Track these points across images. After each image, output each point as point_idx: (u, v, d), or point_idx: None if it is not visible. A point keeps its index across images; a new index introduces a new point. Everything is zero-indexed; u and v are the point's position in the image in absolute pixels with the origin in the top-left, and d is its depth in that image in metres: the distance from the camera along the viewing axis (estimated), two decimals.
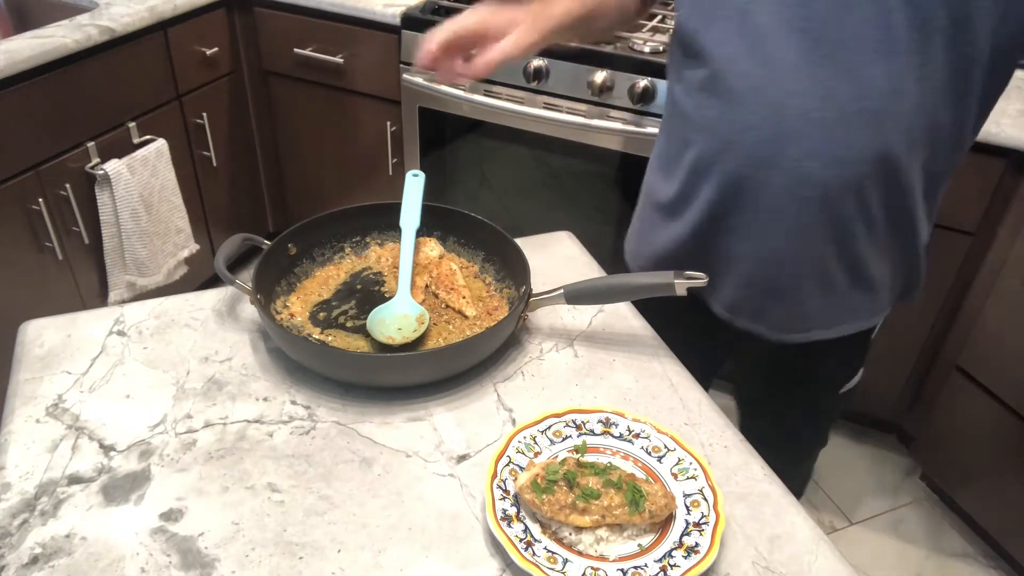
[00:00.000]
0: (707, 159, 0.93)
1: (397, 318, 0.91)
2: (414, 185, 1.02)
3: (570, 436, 0.77)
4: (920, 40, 0.80)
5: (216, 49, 2.12)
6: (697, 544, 0.67)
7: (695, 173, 0.96)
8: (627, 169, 1.86)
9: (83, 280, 1.95)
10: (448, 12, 1.87)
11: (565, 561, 0.65)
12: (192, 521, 0.69)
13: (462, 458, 0.77)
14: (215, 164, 2.24)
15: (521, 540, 0.66)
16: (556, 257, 1.09)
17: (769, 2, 0.84)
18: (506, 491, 0.70)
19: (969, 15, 0.78)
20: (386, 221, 1.05)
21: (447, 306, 0.95)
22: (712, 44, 0.89)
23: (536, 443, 0.76)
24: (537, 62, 1.82)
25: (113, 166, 1.84)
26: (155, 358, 0.87)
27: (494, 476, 0.71)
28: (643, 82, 1.72)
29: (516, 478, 0.71)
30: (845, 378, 1.17)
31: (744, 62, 0.86)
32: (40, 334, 0.89)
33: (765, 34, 0.84)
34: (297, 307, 0.95)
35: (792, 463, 1.27)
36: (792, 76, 0.84)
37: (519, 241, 0.99)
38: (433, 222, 1.05)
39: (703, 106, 0.92)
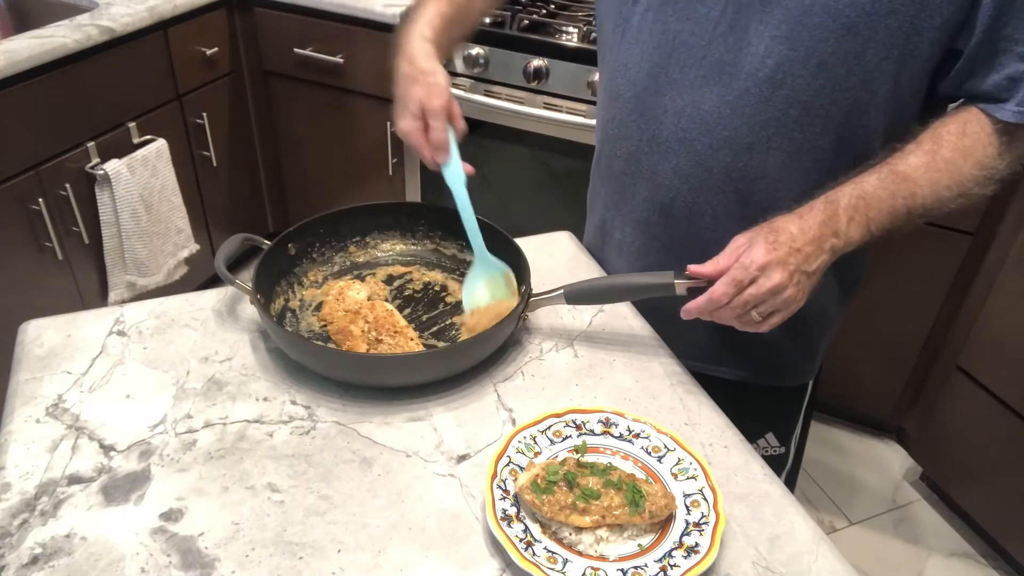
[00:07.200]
0: None
1: (484, 281, 0.92)
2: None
3: (570, 436, 0.77)
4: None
5: (216, 49, 2.12)
6: (697, 544, 0.67)
7: None
8: None
9: (83, 280, 1.95)
10: None
11: (565, 561, 0.65)
12: (192, 521, 0.69)
13: (462, 458, 0.77)
14: (215, 164, 2.24)
15: (521, 540, 0.66)
16: (556, 257, 1.09)
17: None
18: (506, 491, 0.70)
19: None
20: (386, 221, 1.05)
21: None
22: None
23: (536, 443, 0.76)
24: (537, 62, 1.82)
25: (113, 166, 1.84)
26: (155, 358, 0.87)
27: (494, 476, 0.71)
28: None
29: (516, 478, 0.71)
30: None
31: None
32: (40, 334, 0.89)
33: None
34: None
35: None
36: None
37: (519, 241, 0.99)
38: (433, 222, 1.05)
39: None
